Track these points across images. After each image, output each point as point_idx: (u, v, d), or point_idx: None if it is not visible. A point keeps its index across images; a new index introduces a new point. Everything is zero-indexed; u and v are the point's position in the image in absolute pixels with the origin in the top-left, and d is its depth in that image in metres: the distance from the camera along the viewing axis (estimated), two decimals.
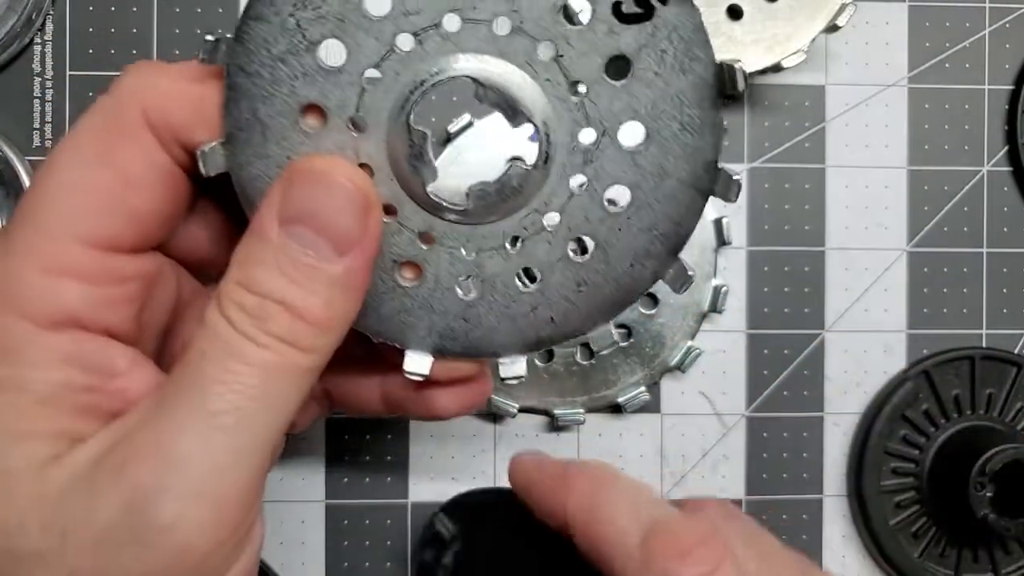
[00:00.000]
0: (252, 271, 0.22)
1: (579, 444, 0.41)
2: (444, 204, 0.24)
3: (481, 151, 0.36)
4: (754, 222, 0.41)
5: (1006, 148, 0.42)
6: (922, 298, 0.42)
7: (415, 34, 0.22)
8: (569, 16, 0.22)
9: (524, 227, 0.24)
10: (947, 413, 0.41)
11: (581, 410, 0.39)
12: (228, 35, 0.23)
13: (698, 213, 0.24)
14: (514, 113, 0.23)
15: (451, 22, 0.22)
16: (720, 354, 0.41)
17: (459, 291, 0.25)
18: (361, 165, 0.24)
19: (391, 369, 0.28)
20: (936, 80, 0.42)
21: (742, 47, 0.37)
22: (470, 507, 0.38)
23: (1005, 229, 0.42)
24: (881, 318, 0.42)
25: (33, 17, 0.38)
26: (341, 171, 0.22)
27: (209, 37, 0.22)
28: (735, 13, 0.37)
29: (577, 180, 0.24)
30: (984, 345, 0.42)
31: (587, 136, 0.23)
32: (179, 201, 0.25)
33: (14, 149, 0.38)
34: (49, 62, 0.39)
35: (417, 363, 0.25)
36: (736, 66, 0.22)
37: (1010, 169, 0.42)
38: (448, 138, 0.36)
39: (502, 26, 0.22)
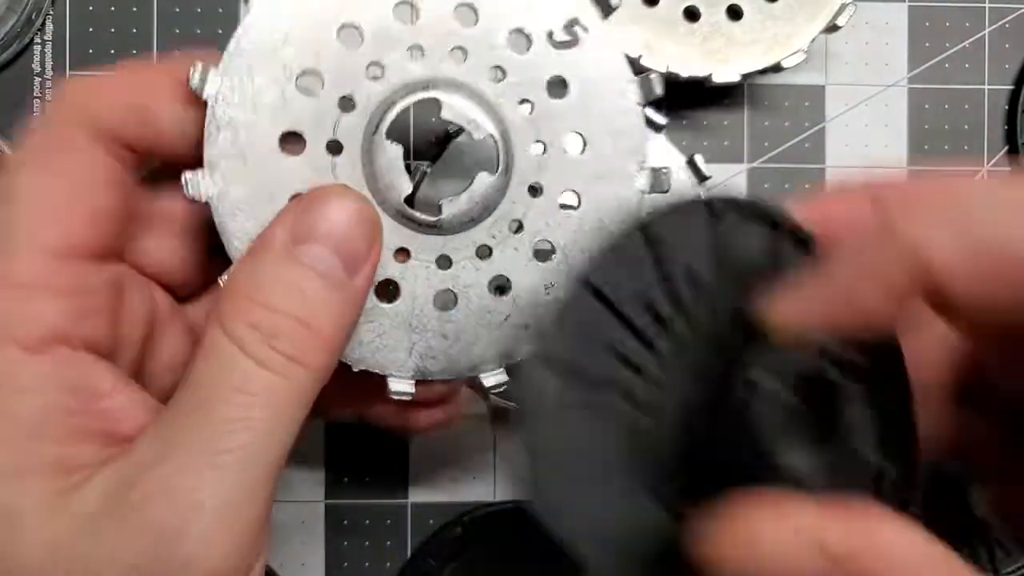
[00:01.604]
0: (266, 286, 0.23)
1: None
2: (418, 216, 0.25)
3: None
4: None
5: (1006, 148, 0.42)
6: None
7: (385, 64, 0.25)
8: (516, 45, 0.25)
9: (492, 235, 0.26)
10: None
11: None
12: (211, 65, 0.24)
13: (637, 208, 0.27)
14: (476, 127, 0.25)
15: (417, 54, 0.25)
16: None
17: (436, 305, 0.26)
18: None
19: (369, 394, 0.29)
20: (936, 80, 0.42)
21: (742, 47, 0.37)
22: (491, 518, 0.39)
23: None
24: None
25: (33, 17, 0.38)
26: (353, 197, 0.24)
27: (198, 64, 0.24)
28: (735, 13, 0.37)
29: (533, 187, 0.26)
30: None
31: (537, 148, 0.26)
32: (128, 199, 0.25)
33: (14, 149, 0.38)
34: (49, 62, 0.39)
35: (402, 384, 0.26)
36: (651, 76, 0.26)
37: (1010, 170, 0.42)
38: (447, 137, 0.37)
39: (460, 55, 0.25)
